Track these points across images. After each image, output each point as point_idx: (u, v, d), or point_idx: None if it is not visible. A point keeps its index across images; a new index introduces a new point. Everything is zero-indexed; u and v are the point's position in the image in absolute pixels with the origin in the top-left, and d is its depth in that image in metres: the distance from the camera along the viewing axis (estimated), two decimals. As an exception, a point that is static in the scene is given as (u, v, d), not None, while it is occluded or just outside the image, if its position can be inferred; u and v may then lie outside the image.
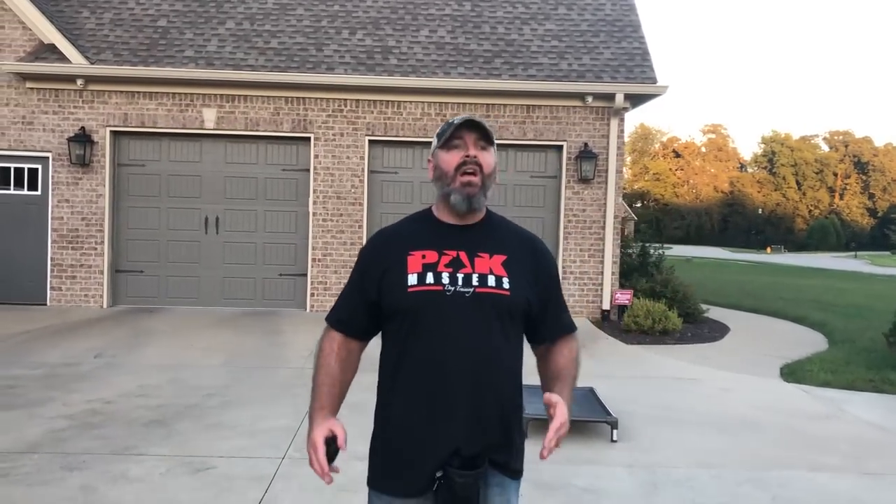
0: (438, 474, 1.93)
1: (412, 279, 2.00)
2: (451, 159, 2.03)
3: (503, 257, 2.04)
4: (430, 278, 1.99)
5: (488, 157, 2.04)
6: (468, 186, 2.01)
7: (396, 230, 2.19)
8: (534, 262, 2.10)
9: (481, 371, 1.97)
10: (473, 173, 2.00)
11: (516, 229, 2.18)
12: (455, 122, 2.03)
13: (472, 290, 1.98)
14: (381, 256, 2.10)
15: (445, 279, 1.99)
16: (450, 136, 2.03)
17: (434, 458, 1.95)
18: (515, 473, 2.09)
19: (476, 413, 1.97)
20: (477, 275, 2.00)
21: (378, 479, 2.07)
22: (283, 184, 11.43)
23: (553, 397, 1.93)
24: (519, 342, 2.08)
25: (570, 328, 2.20)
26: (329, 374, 2.12)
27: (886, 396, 7.52)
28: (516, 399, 2.09)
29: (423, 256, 2.03)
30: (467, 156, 2.00)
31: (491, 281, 1.99)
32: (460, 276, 1.99)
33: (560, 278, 2.24)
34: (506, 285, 1.99)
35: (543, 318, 2.10)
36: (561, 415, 1.90)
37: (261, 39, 11.48)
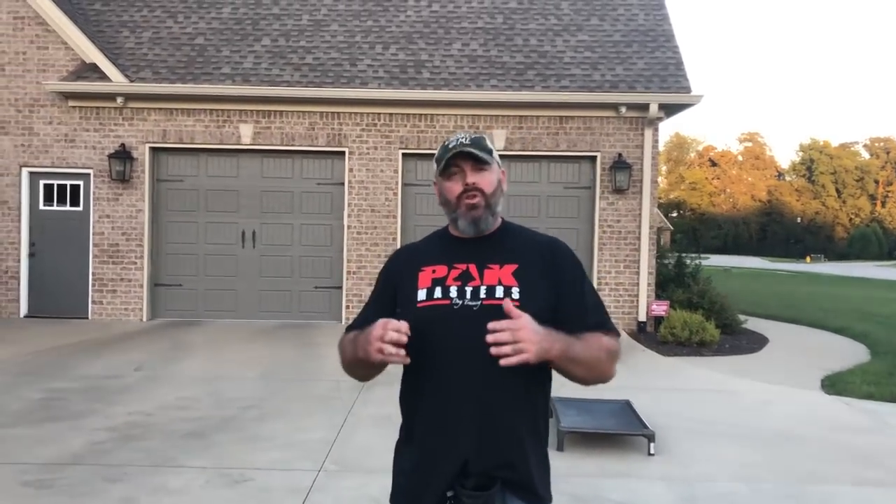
0: (449, 494, 1.89)
1: (422, 294, 2.01)
2: (452, 187, 2.03)
3: (514, 266, 2.00)
4: (438, 292, 1.99)
5: (489, 177, 2.03)
6: (472, 210, 2.01)
7: (413, 247, 2.22)
8: (549, 266, 2.04)
9: (490, 387, 1.91)
10: (475, 197, 2.01)
11: (531, 236, 2.14)
12: (449, 146, 2.02)
13: (479, 302, 1.95)
14: (396, 272, 2.13)
15: (453, 293, 1.98)
16: (446, 165, 2.02)
17: (443, 474, 1.91)
18: (536, 498, 1.97)
19: (485, 429, 1.91)
20: (485, 287, 1.97)
21: (395, 495, 2.06)
22: (318, 197, 11.54)
23: (514, 309, 1.78)
24: None
25: (597, 327, 2.00)
26: (350, 336, 2.07)
27: (932, 409, 7.33)
28: (534, 417, 2.00)
29: (434, 271, 2.03)
30: (467, 184, 2.01)
31: (499, 292, 1.95)
32: (469, 289, 1.97)
33: (586, 278, 2.10)
34: (515, 295, 1.94)
35: (567, 322, 1.97)
36: (519, 317, 1.76)
37: (296, 56, 11.64)
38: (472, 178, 2.01)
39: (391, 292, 2.11)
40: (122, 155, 11.10)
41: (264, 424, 6.14)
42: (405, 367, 2.02)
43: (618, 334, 2.05)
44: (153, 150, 11.37)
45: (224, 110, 11.26)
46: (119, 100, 11.08)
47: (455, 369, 1.93)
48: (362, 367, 1.99)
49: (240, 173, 11.56)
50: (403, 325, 1.81)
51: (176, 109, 11.25)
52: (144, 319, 11.25)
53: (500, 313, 1.89)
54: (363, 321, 2.11)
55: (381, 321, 1.84)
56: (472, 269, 2.01)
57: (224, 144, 11.35)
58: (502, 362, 1.73)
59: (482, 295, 1.96)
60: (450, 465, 1.91)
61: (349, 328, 2.17)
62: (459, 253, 2.05)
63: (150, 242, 11.36)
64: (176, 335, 10.20)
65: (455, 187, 2.02)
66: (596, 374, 1.98)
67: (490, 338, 1.74)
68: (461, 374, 1.92)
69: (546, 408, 2.07)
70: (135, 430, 5.86)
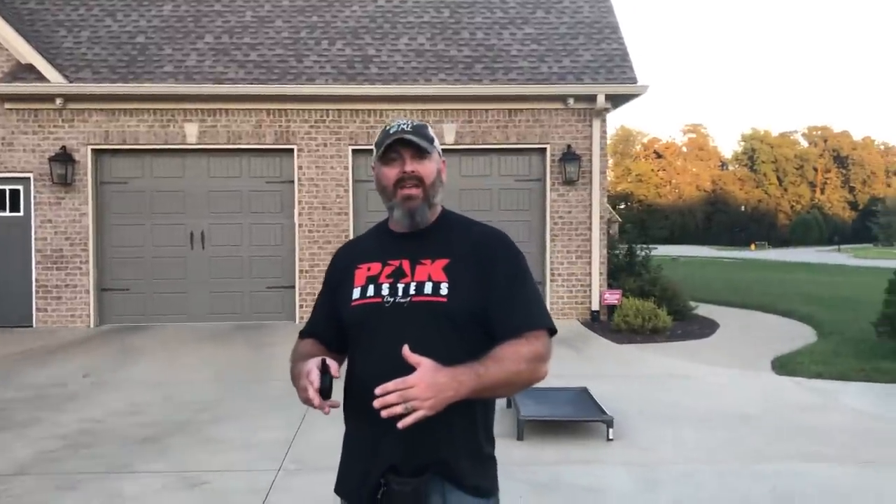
0: (381, 481, 1.87)
1: (356, 293, 1.98)
2: (389, 173, 1.98)
3: (445, 261, 1.95)
4: (371, 291, 1.96)
5: (429, 166, 1.98)
6: (408, 201, 1.96)
7: (353, 243, 2.19)
8: (482, 261, 1.95)
9: None
10: (413, 186, 1.96)
11: (470, 228, 2.06)
12: (390, 132, 1.97)
13: (408, 299, 1.91)
14: (336, 271, 2.10)
15: (385, 290, 1.94)
16: (386, 149, 1.97)
17: (374, 472, 1.88)
18: (476, 490, 1.91)
19: (414, 430, 1.74)
20: (415, 283, 1.92)
21: (337, 485, 2.05)
22: (267, 196, 11.38)
23: (412, 356, 1.71)
24: (470, 350, 1.84)
25: (516, 330, 1.89)
26: (302, 349, 2.07)
27: (878, 385, 7.55)
28: (471, 412, 1.90)
29: (369, 269, 2.00)
30: (405, 171, 1.96)
31: (427, 288, 1.91)
32: (400, 286, 1.93)
33: (522, 273, 1.99)
34: (443, 291, 1.90)
35: (494, 318, 1.91)
36: (418, 365, 1.70)
37: (240, 52, 11.45)
38: (410, 165, 1.96)
39: (331, 292, 2.09)
40: (64, 158, 10.78)
41: (220, 426, 6.03)
42: (349, 363, 2.01)
43: (550, 331, 1.94)
44: (95, 151, 11.07)
45: (168, 109, 11.02)
46: (58, 101, 10.75)
47: (382, 369, 1.80)
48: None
49: (186, 173, 11.33)
50: (316, 380, 1.78)
51: (118, 110, 10.97)
52: (92, 325, 10.95)
53: (427, 310, 1.88)
54: (313, 325, 2.13)
55: (304, 369, 1.82)
56: (405, 265, 1.97)
57: (169, 144, 11.10)
58: (399, 425, 1.67)
59: (412, 292, 1.92)
60: (380, 464, 1.88)
61: (302, 333, 2.16)
62: (394, 249, 2.01)
63: (95, 247, 11.06)
64: (125, 340, 9.96)
65: (392, 173, 1.97)
66: (520, 387, 1.92)
67: (377, 403, 1.67)
68: (388, 373, 1.76)
69: (488, 401, 1.99)
70: (86, 438, 5.70)
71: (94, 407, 6.62)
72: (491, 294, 1.93)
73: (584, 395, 6.31)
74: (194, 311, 11.29)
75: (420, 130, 1.99)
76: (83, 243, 10.97)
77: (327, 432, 5.79)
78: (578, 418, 5.89)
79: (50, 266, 10.94)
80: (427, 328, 1.80)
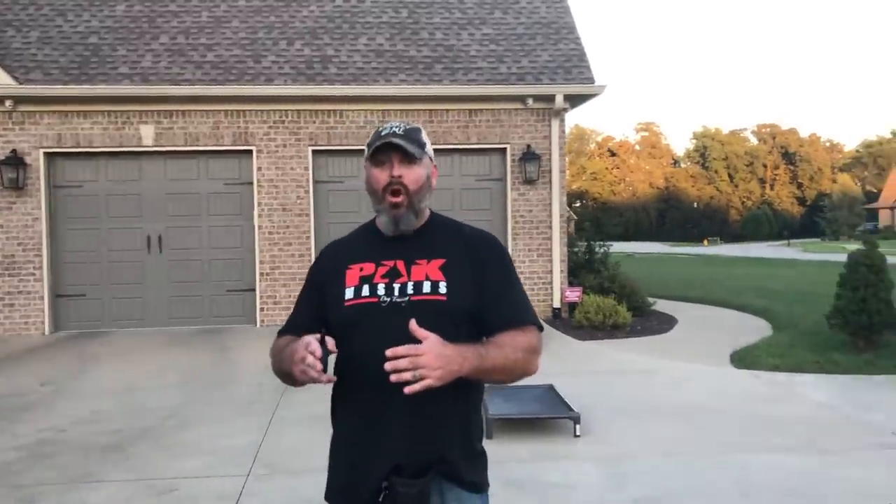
0: (384, 485, 1.88)
1: (349, 293, 1.99)
2: (378, 177, 2.00)
3: (441, 261, 1.99)
4: (366, 290, 1.97)
5: (418, 171, 2.00)
6: (394, 209, 1.99)
7: (340, 243, 2.18)
8: (476, 261, 2.02)
9: None
10: (398, 193, 1.98)
11: (460, 229, 2.13)
12: (382, 133, 1.99)
13: (407, 298, 1.94)
14: (324, 270, 2.10)
15: (381, 290, 1.96)
16: (375, 151, 1.99)
17: (377, 472, 1.90)
18: (473, 486, 1.98)
19: (416, 427, 1.89)
20: (412, 283, 1.96)
21: (330, 492, 2.04)
22: (226, 198, 11.25)
23: (420, 330, 1.75)
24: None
25: (512, 323, 1.97)
26: (282, 344, 2.03)
27: (832, 377, 7.76)
28: (466, 409, 2.00)
29: (361, 269, 2.01)
30: (392, 176, 1.98)
31: (426, 287, 1.95)
32: (396, 286, 1.96)
33: (511, 273, 2.07)
34: (442, 290, 1.94)
35: (487, 315, 1.97)
36: (425, 338, 1.73)
37: (196, 53, 11.30)
38: (398, 170, 1.98)
39: (317, 292, 2.08)
40: (14, 161, 10.52)
41: (186, 432, 5.95)
42: (336, 365, 2.00)
43: (539, 328, 2.03)
44: (48, 155, 10.82)
45: (123, 112, 10.82)
46: (8, 103, 10.48)
47: (381, 368, 1.81)
48: (293, 382, 1.91)
49: (142, 176, 11.14)
50: (318, 349, 1.76)
51: (71, 112, 10.74)
52: (47, 332, 10.71)
53: (428, 308, 1.91)
54: (293, 324, 2.10)
55: (302, 342, 1.80)
56: (400, 265, 1.99)
57: (124, 147, 10.90)
58: (406, 390, 1.70)
59: (409, 291, 1.95)
60: (383, 464, 1.90)
61: (281, 332, 2.14)
62: (387, 249, 2.03)
63: (48, 252, 10.80)
64: (82, 347, 9.75)
65: (381, 177, 1.99)
66: (515, 375, 1.97)
67: (388, 365, 1.70)
68: (389, 373, 1.80)
69: (479, 399, 2.07)
70: (46, 448, 5.58)
71: (54, 416, 6.48)
72: (484, 293, 1.98)
73: (550, 392, 6.37)
74: (153, 316, 11.11)
75: (411, 135, 2.01)
76: (36, 249, 10.72)
77: (295, 436, 5.78)
78: (546, 415, 5.95)
79: (2, 272, 10.67)
80: (427, 326, 1.81)
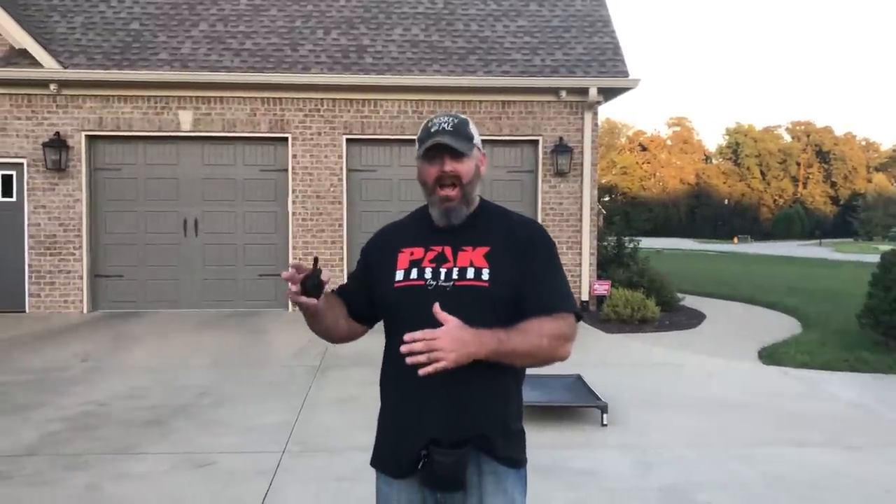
0: (423, 453, 1.99)
1: (399, 275, 2.09)
2: (430, 171, 2.08)
3: (486, 249, 2.07)
4: (414, 274, 2.07)
5: (467, 164, 2.08)
6: (446, 202, 2.07)
7: (394, 227, 2.28)
8: (520, 250, 2.10)
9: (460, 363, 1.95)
10: (451, 186, 2.06)
11: (508, 217, 2.20)
12: (431, 129, 2.07)
13: (451, 283, 2.03)
14: (376, 253, 2.21)
15: (428, 274, 2.06)
16: (426, 150, 2.08)
17: (415, 443, 2.01)
18: (509, 461, 2.07)
19: (455, 405, 1.99)
20: (457, 268, 2.05)
21: (376, 459, 2.18)
22: (261, 184, 11.44)
23: (441, 313, 1.85)
24: None
25: (544, 310, 2.02)
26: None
27: (861, 375, 7.76)
28: (506, 389, 2.09)
29: (412, 253, 2.11)
30: (444, 171, 2.05)
31: (470, 273, 2.04)
32: (443, 270, 2.05)
33: (554, 263, 2.12)
34: (485, 276, 2.03)
35: (526, 299, 2.03)
36: (445, 322, 1.83)
37: (235, 41, 11.47)
38: (449, 165, 2.06)
39: (365, 270, 2.21)
40: (57, 143, 10.79)
41: (221, 410, 6.13)
42: (386, 343, 2.13)
43: (576, 316, 2.09)
44: (89, 138, 11.08)
45: (162, 97, 11.04)
46: (52, 87, 10.75)
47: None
48: (311, 320, 2.09)
49: (180, 161, 11.36)
50: (293, 276, 1.92)
51: (112, 96, 10.98)
52: (85, 311, 10.99)
53: (470, 293, 2.02)
54: (349, 289, 2.26)
55: (294, 264, 1.96)
56: (448, 251, 2.09)
57: (163, 132, 11.13)
58: (420, 372, 1.81)
59: (454, 276, 2.05)
60: (422, 436, 2.00)
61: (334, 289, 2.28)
62: (436, 235, 2.13)
63: (88, 233, 11.08)
64: (119, 326, 10.01)
65: (433, 171, 2.08)
66: (540, 360, 2.03)
67: (404, 348, 1.81)
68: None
69: (518, 380, 2.15)
70: (90, 420, 5.79)
71: (96, 391, 6.69)
72: (525, 279, 2.07)
73: (578, 382, 6.45)
74: (187, 298, 11.34)
75: (460, 129, 2.09)
76: (77, 229, 10.99)
77: (327, 416, 5.93)
78: (574, 404, 6.04)
79: (43, 252, 10.95)
80: (468, 309, 1.91)
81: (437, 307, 1.86)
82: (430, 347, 1.81)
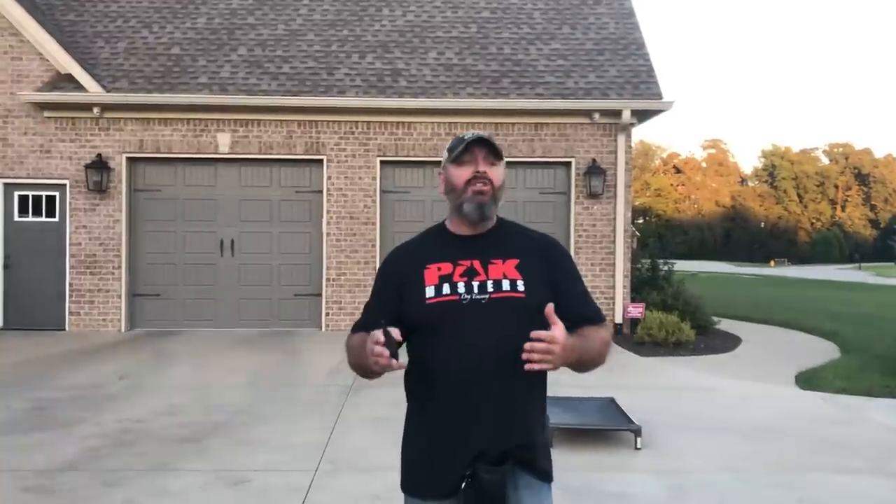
0: (468, 472, 2.00)
1: (430, 291, 2.09)
2: (461, 174, 2.12)
3: (516, 261, 2.11)
4: (446, 289, 2.08)
5: (498, 172, 2.14)
6: (479, 195, 2.10)
7: (411, 245, 2.29)
8: (546, 260, 2.17)
9: (504, 374, 2.01)
10: (484, 184, 2.11)
11: (528, 232, 2.27)
12: (466, 137, 2.12)
13: (487, 296, 2.05)
14: (398, 272, 2.20)
15: (461, 288, 2.07)
16: (460, 152, 2.13)
17: (462, 459, 2.01)
18: (544, 475, 2.12)
19: (501, 415, 2.03)
20: (491, 281, 2.07)
21: (410, 482, 2.14)
22: (296, 205, 11.60)
23: (553, 315, 1.91)
24: None
25: (593, 319, 2.16)
26: (357, 341, 2.15)
27: (903, 401, 7.60)
28: (540, 400, 2.16)
29: (439, 269, 2.11)
30: (477, 171, 2.11)
31: (505, 285, 2.07)
32: (475, 283, 2.07)
33: (578, 274, 2.26)
34: (520, 287, 2.07)
35: (563, 311, 2.02)
36: (556, 325, 1.89)
37: (272, 65, 11.69)
38: (483, 166, 2.12)
39: (394, 291, 2.17)
40: (99, 165, 11.06)
41: (256, 428, 6.19)
42: (411, 360, 2.14)
43: (607, 323, 2.27)
44: (130, 160, 11.34)
45: (201, 119, 11.28)
46: (95, 110, 11.04)
47: (469, 361, 2.02)
48: (369, 374, 2.06)
49: (218, 182, 11.58)
50: (381, 338, 1.88)
51: (153, 119, 11.24)
52: (123, 330, 11.19)
53: (508, 305, 2.05)
54: (366, 322, 2.17)
55: (371, 337, 1.92)
56: (477, 264, 2.12)
57: (201, 154, 11.35)
58: (526, 367, 1.86)
59: (490, 289, 2.08)
60: (467, 453, 2.02)
61: (354, 328, 2.24)
62: (462, 249, 2.15)
63: (127, 253, 11.31)
64: (157, 345, 10.17)
65: (464, 174, 2.13)
66: (594, 365, 2.14)
67: (528, 345, 1.86)
68: (475, 365, 2.02)
69: (545, 394, 2.21)
70: (127, 437, 5.88)
71: (133, 408, 6.80)
72: (560, 291, 2.13)
73: (611, 405, 6.41)
74: (223, 317, 11.50)
75: (492, 139, 2.17)
76: (116, 249, 11.22)
77: (361, 436, 5.96)
78: (607, 427, 6.00)
79: (84, 271, 11.19)
80: (507, 321, 1.97)
81: (550, 308, 1.91)
82: (549, 350, 1.86)
